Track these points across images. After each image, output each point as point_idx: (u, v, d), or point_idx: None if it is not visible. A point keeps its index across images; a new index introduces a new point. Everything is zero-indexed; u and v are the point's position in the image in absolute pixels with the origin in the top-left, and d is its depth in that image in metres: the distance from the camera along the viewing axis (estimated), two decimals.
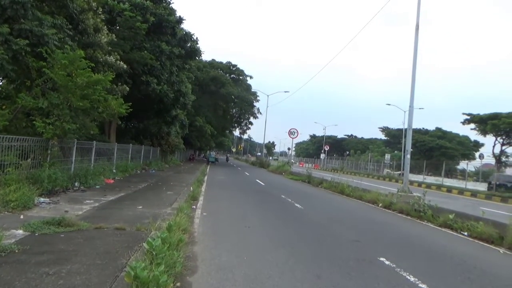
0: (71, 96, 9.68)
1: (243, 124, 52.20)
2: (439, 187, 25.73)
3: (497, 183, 25.13)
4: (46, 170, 8.52)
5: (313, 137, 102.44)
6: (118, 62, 14.17)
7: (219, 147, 73.55)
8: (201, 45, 33.29)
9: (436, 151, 51.45)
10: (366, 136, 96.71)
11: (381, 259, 5.29)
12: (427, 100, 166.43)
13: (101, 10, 14.05)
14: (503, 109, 70.51)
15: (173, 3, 21.93)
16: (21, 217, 5.94)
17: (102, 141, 15.46)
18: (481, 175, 35.05)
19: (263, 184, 18.48)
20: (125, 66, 14.71)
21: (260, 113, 50.45)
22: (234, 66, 48.98)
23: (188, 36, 22.88)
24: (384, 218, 9.88)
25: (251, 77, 50.17)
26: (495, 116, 33.05)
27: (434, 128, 58.68)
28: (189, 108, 29.80)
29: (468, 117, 37.10)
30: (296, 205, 10.82)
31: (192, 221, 7.03)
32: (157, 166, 22.13)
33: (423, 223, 9.33)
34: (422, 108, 69.54)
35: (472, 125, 37.16)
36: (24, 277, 3.36)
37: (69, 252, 4.25)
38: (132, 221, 6.26)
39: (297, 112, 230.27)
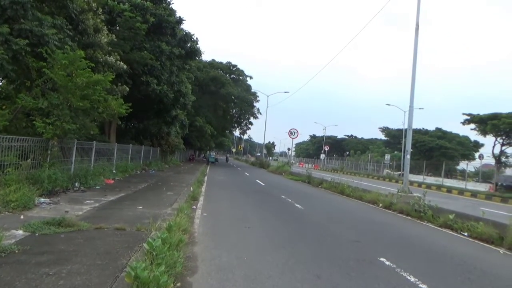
0: (71, 96, 9.68)
1: (243, 124, 52.26)
2: (439, 187, 25.74)
3: (504, 184, 25.05)
4: (46, 170, 8.51)
5: (313, 137, 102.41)
6: (118, 62, 14.17)
7: (219, 147, 73.53)
8: (201, 45, 33.23)
9: (436, 151, 51.43)
10: (366, 136, 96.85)
11: (381, 259, 5.29)
12: (427, 100, 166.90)
13: (101, 10, 14.05)
14: (503, 109, 70.61)
15: (173, 3, 21.96)
16: (21, 217, 5.94)
17: (102, 141, 15.45)
18: (481, 175, 35.06)
19: (263, 184, 18.47)
20: (125, 66, 14.71)
21: (260, 114, 50.53)
22: (234, 66, 49.03)
23: (188, 37, 22.88)
24: (384, 218, 9.88)
25: (251, 78, 50.31)
26: (495, 117, 32.99)
27: (434, 128, 58.69)
28: (189, 108, 29.80)
29: (468, 117, 37.05)
30: (296, 205, 10.82)
31: (192, 221, 7.03)
32: (157, 167, 22.13)
33: (423, 223, 9.33)
34: (422, 108, 69.71)
35: (472, 125, 37.09)
36: (24, 277, 3.36)
37: (69, 252, 4.24)
38: (132, 221, 6.26)
39: (297, 112, 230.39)
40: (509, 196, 19.79)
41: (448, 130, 56.87)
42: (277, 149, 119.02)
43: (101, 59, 13.17)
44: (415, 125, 51.81)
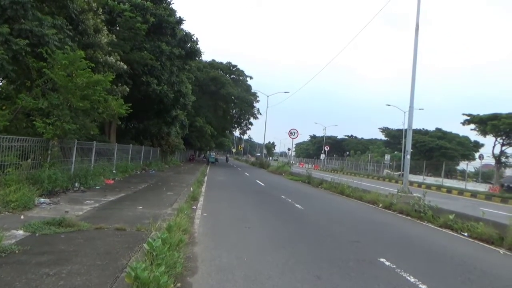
0: (71, 96, 9.69)
1: (243, 124, 52.29)
2: (439, 187, 25.73)
3: (511, 185, 25.02)
4: (46, 170, 8.52)
5: (313, 137, 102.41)
6: (118, 62, 14.18)
7: (219, 147, 73.54)
8: (201, 45, 33.27)
9: (436, 151, 51.46)
10: (366, 136, 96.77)
11: (381, 259, 5.29)
12: (427, 101, 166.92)
13: (101, 10, 14.05)
14: (503, 109, 70.70)
15: (173, 3, 21.98)
16: (22, 217, 5.94)
17: (102, 141, 15.45)
18: (480, 175, 35.06)
19: (263, 184, 18.47)
20: (125, 66, 14.72)
21: (260, 114, 50.57)
22: (234, 66, 49.07)
23: (188, 37, 22.89)
24: (384, 218, 9.88)
25: (251, 78, 50.35)
26: (494, 117, 33.03)
27: (434, 129, 58.73)
28: (189, 109, 29.81)
29: (468, 118, 37.08)
30: (296, 205, 10.82)
31: (192, 221, 7.03)
32: (157, 167, 22.13)
33: (423, 223, 9.33)
34: (422, 109, 69.85)
35: (472, 126, 37.13)
36: (24, 277, 3.36)
37: (69, 252, 4.25)
38: (132, 221, 6.26)
39: (297, 113, 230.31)
40: (509, 197, 19.79)
41: (448, 130, 56.99)
42: (277, 149, 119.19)
43: (101, 59, 13.18)
44: (415, 126, 51.83)
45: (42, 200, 7.37)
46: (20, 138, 8.23)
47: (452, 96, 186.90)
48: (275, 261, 4.86)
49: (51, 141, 9.42)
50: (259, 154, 76.79)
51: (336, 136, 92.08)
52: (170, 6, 21.61)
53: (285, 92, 42.12)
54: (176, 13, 21.57)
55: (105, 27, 14.46)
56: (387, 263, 5.12)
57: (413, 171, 34.69)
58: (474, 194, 22.08)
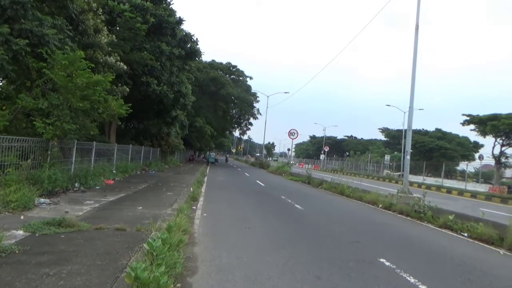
0: (71, 96, 9.69)
1: (243, 125, 52.33)
2: (439, 188, 25.74)
3: None
4: (46, 170, 8.52)
5: (313, 138, 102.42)
6: (118, 63, 14.18)
7: (219, 148, 73.56)
8: (201, 46, 33.24)
9: (436, 152, 51.47)
10: (366, 137, 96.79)
11: (381, 260, 5.29)
12: (427, 101, 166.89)
13: (101, 11, 14.05)
14: (503, 109, 70.77)
15: (173, 4, 21.99)
16: (22, 217, 5.94)
17: (102, 141, 15.45)
18: (480, 176, 35.07)
19: (263, 185, 18.48)
20: (125, 67, 14.72)
21: (260, 114, 50.61)
22: (234, 67, 49.10)
23: (188, 37, 22.90)
24: (384, 219, 9.88)
25: (251, 78, 50.38)
26: (494, 117, 33.10)
27: (434, 129, 58.70)
28: (189, 109, 29.81)
29: (468, 118, 37.14)
30: (296, 206, 10.82)
31: (192, 222, 7.03)
32: (157, 167, 22.13)
33: (423, 224, 9.33)
34: (422, 109, 69.92)
35: (472, 126, 37.21)
36: (24, 277, 3.37)
37: (69, 252, 4.25)
38: (132, 221, 6.26)
39: (297, 113, 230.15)
40: (509, 197, 19.80)
41: (448, 130, 56.96)
42: (277, 150, 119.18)
43: (101, 60, 13.18)
44: (415, 126, 51.91)
45: (42, 200, 7.37)
46: (20, 138, 8.23)
47: (452, 96, 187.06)
48: (275, 261, 4.86)
49: (51, 141, 9.42)
50: (258, 154, 76.85)
51: (336, 137, 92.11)
52: (170, 6, 21.63)
53: (285, 93, 42.36)
54: (176, 13, 21.61)
55: (105, 27, 14.46)
56: (387, 264, 5.12)
57: (413, 171, 34.70)
58: (474, 194, 22.08)
